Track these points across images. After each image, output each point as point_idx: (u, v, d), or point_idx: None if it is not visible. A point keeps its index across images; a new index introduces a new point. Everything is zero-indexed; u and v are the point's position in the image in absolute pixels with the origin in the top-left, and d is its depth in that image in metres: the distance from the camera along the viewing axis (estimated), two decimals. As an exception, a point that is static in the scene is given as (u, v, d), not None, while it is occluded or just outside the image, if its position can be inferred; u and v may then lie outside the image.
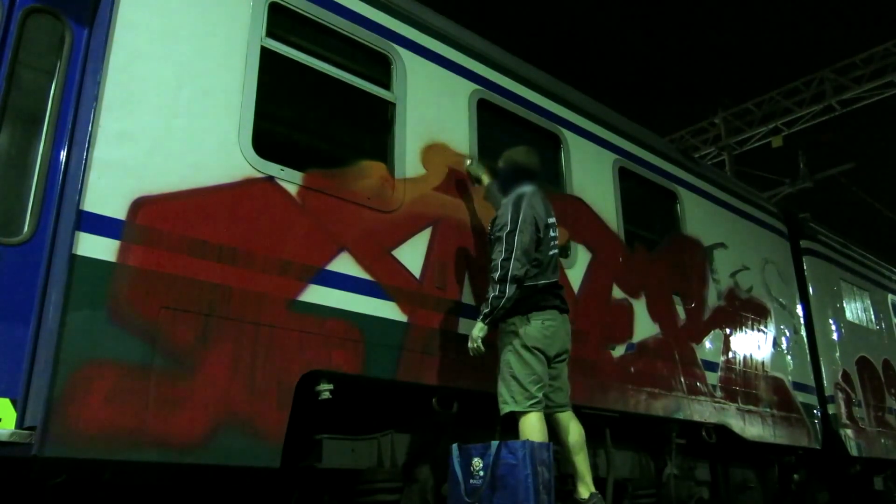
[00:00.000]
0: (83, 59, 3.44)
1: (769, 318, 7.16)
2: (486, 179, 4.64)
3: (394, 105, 4.42)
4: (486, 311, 3.92)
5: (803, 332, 7.70)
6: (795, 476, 7.35)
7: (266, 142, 3.73)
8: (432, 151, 4.50)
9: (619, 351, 5.31)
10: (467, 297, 4.43)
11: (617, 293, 5.49)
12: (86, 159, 3.11)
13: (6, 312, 2.99)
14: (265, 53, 3.86)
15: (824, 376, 7.68)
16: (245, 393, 3.31)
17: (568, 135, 5.52)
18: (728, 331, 6.53)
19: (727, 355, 6.41)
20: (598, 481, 4.34)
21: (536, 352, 3.91)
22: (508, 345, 3.96)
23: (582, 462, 3.98)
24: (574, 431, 4.05)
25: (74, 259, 2.97)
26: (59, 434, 2.79)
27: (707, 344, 6.23)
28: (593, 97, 6.08)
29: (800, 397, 7.19)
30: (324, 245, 3.81)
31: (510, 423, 3.93)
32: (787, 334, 7.40)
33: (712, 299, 6.48)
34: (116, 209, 3.13)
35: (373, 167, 4.24)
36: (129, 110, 3.28)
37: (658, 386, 5.52)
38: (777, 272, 7.57)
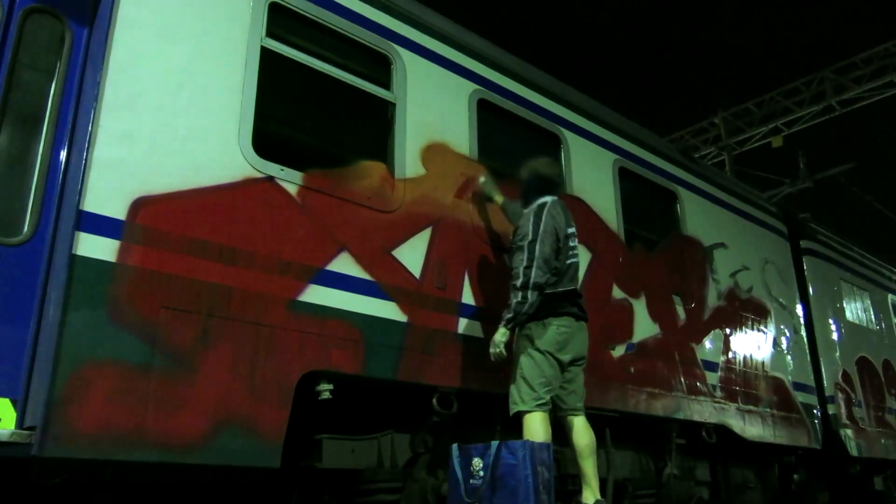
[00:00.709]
0: (83, 59, 3.44)
1: (769, 318, 7.16)
2: (499, 199, 4.71)
3: (394, 105, 4.42)
4: (509, 316, 4.01)
5: (803, 332, 7.70)
6: (795, 476, 7.35)
7: (266, 142, 3.73)
8: (432, 151, 4.51)
9: (618, 351, 5.32)
10: (467, 297, 4.43)
11: (617, 293, 5.50)
12: (86, 159, 3.11)
13: (6, 312, 2.99)
14: (265, 53, 3.85)
15: (824, 376, 7.68)
16: (245, 393, 3.31)
17: (568, 135, 5.52)
18: (728, 331, 6.53)
19: (727, 355, 6.41)
20: (599, 481, 4.34)
21: (548, 355, 4.00)
22: (523, 348, 4.07)
23: (590, 467, 4.02)
24: (585, 436, 4.09)
25: (74, 259, 2.97)
26: (58, 434, 2.79)
27: (707, 344, 6.23)
28: (593, 97, 6.08)
29: (800, 397, 7.19)
30: (324, 245, 3.81)
31: (511, 424, 3.94)
32: (787, 334, 7.40)
33: (712, 299, 6.48)
34: (116, 209, 3.13)
35: (373, 167, 4.24)
36: (129, 110, 3.28)
37: (658, 386, 5.52)
38: (777, 272, 7.57)
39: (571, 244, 4.26)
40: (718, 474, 6.51)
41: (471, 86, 4.92)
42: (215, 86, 3.61)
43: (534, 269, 3.98)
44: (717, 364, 6.25)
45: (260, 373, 3.38)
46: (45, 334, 2.99)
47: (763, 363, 6.84)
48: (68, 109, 3.34)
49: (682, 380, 5.78)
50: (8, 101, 3.20)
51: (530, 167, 4.43)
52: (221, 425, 3.20)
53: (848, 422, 7.67)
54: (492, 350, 3.99)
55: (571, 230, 4.30)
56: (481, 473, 3.73)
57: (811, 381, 7.53)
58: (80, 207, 3.04)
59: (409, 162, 4.36)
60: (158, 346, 3.10)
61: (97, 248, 3.03)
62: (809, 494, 7.66)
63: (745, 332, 6.76)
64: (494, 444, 3.73)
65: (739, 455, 6.65)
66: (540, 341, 4.02)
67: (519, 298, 3.98)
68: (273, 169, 3.71)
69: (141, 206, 3.20)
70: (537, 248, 4.02)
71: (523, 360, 4.01)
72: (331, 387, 3.62)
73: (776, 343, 7.16)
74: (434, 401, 4.08)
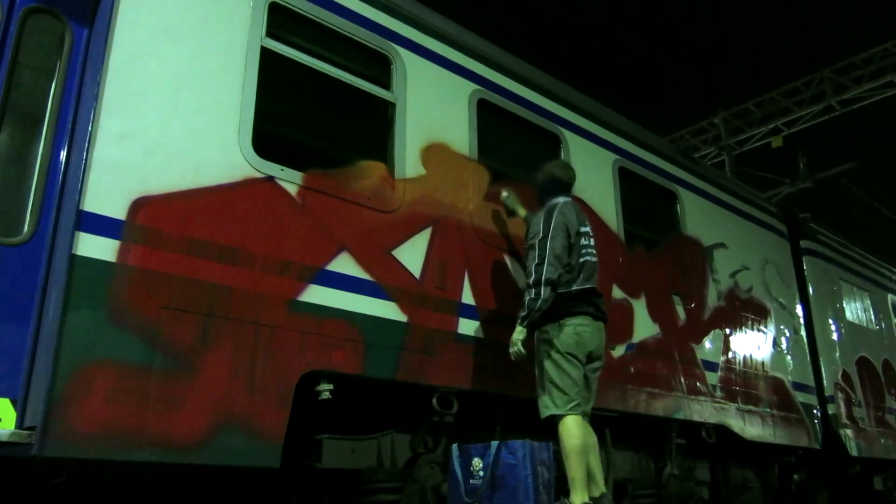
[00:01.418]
0: (83, 59, 3.44)
1: (769, 318, 7.16)
2: (522, 212, 4.74)
3: (394, 105, 4.42)
4: (524, 314, 4.03)
5: (803, 332, 7.70)
6: (795, 476, 7.34)
7: (266, 142, 3.73)
8: (432, 151, 4.51)
9: (618, 351, 5.31)
10: (467, 297, 4.43)
11: (617, 293, 5.50)
12: (86, 159, 3.11)
13: (6, 312, 2.99)
14: (265, 53, 3.85)
15: (824, 376, 7.68)
16: (245, 393, 3.31)
17: (568, 135, 5.52)
18: (728, 331, 6.53)
19: (727, 355, 6.41)
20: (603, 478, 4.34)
21: (568, 356, 4.00)
22: (544, 353, 4.07)
23: (594, 463, 4.03)
24: (589, 435, 4.07)
25: (74, 259, 2.97)
26: (58, 434, 2.79)
27: (707, 344, 6.23)
28: (593, 97, 6.09)
29: (800, 397, 7.19)
30: (324, 245, 3.81)
31: (511, 424, 3.94)
32: (787, 334, 7.40)
33: (712, 299, 6.47)
34: (116, 209, 3.13)
35: (373, 167, 4.24)
36: (129, 110, 3.28)
37: (658, 386, 5.52)
38: (777, 272, 7.57)
39: (585, 242, 4.27)
40: (718, 474, 6.51)
41: (471, 86, 4.92)
42: (215, 86, 3.61)
43: (545, 266, 4.01)
44: (716, 364, 6.25)
45: (260, 373, 3.38)
46: (45, 334, 2.99)
47: (763, 363, 6.84)
48: (68, 109, 3.34)
49: (682, 380, 5.78)
50: (8, 102, 3.20)
51: (545, 170, 4.50)
52: (221, 425, 3.20)
53: (848, 422, 7.67)
54: (510, 349, 4.02)
55: (585, 228, 4.32)
56: (481, 473, 3.73)
57: (811, 381, 7.52)
58: (80, 207, 3.04)
59: (409, 162, 4.36)
60: (158, 346, 3.10)
61: (97, 248, 3.03)
62: (809, 494, 7.66)
63: (745, 332, 6.76)
64: (494, 444, 3.73)
65: (739, 455, 6.65)
66: (558, 342, 4.02)
67: (532, 295, 4.01)
68: (273, 169, 3.71)
69: (141, 206, 3.20)
70: (548, 244, 4.06)
71: (547, 365, 4.02)
72: (331, 387, 3.62)
73: (776, 343, 7.15)
74: (434, 401, 4.08)
